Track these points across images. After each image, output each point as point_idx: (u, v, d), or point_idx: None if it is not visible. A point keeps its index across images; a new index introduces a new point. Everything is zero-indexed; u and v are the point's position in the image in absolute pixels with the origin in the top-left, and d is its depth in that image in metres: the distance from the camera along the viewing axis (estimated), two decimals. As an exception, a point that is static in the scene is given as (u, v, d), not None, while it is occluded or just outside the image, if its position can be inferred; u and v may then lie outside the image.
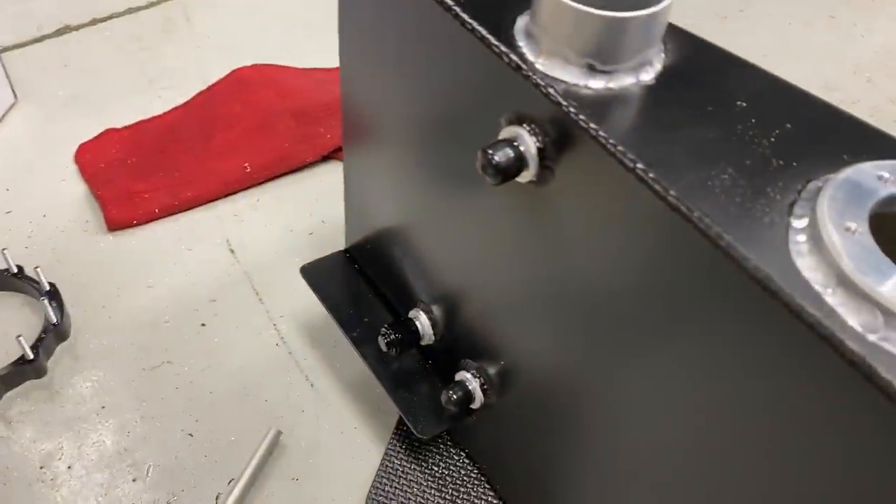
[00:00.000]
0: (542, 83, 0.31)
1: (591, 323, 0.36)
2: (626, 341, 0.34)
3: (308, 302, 0.61)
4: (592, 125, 0.30)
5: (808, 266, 0.26)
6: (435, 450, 0.53)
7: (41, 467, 0.52)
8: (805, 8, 0.96)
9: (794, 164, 0.29)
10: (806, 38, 0.92)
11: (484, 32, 0.34)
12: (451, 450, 0.53)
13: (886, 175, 0.27)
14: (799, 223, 0.27)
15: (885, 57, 0.91)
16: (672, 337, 0.31)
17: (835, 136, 0.30)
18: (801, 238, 0.27)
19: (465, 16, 0.34)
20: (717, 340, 0.29)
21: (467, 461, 0.52)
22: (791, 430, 0.27)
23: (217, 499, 0.51)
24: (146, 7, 0.90)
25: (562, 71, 0.32)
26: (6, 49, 0.82)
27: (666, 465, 0.35)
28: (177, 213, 0.68)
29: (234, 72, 0.78)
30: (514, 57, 0.32)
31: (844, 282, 0.25)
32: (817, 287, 0.25)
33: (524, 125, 0.33)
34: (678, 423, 0.33)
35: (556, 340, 0.39)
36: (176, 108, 0.77)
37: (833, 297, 0.25)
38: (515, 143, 0.32)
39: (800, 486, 0.28)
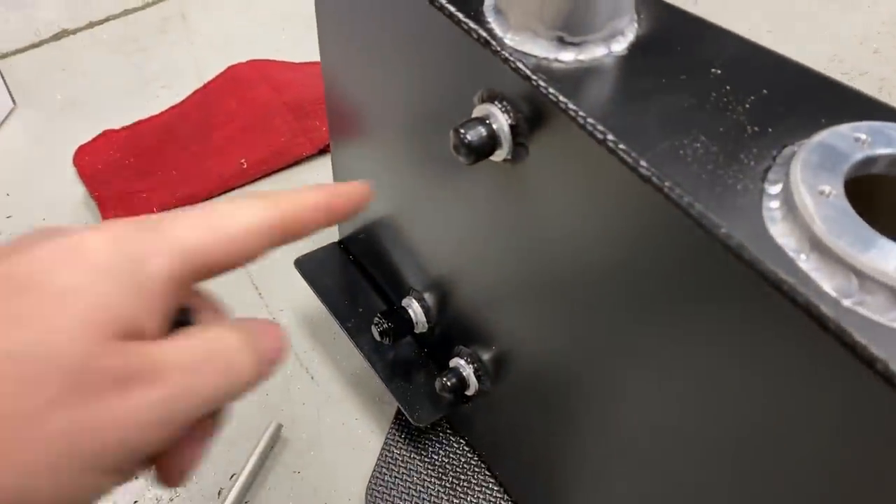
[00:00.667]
0: (512, 58, 0.31)
1: (575, 302, 0.35)
2: (608, 318, 0.33)
3: (306, 295, 0.61)
4: (562, 98, 0.29)
5: (781, 232, 0.25)
6: (434, 438, 0.53)
7: (44, 467, 0.53)
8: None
9: (770, 129, 0.28)
10: (811, 9, 0.90)
11: (452, 10, 0.33)
12: (451, 438, 0.52)
13: (864, 136, 0.27)
14: (773, 189, 0.26)
15: (893, 28, 0.89)
16: (652, 311, 0.31)
17: (813, 101, 0.30)
18: (775, 204, 0.26)
19: (434, -6, 0.34)
20: (695, 312, 0.28)
21: (467, 448, 0.52)
22: (772, 399, 0.27)
23: (220, 493, 0.51)
24: (142, 8, 0.90)
25: (531, 45, 0.31)
26: (4, 55, 0.82)
27: (657, 443, 0.35)
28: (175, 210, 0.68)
29: (229, 69, 0.78)
30: (482, 33, 0.32)
31: (818, 246, 0.24)
32: (790, 253, 0.24)
33: (496, 102, 0.32)
34: (666, 399, 0.32)
35: (543, 322, 0.38)
36: (173, 108, 0.77)
37: (807, 263, 0.24)
38: (488, 122, 0.32)
39: (785, 457, 0.27)
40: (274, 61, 0.80)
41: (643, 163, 0.27)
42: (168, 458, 0.25)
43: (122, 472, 0.22)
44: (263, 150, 0.71)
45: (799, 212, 0.25)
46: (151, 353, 0.22)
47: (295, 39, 0.84)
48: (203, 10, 0.90)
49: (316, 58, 0.82)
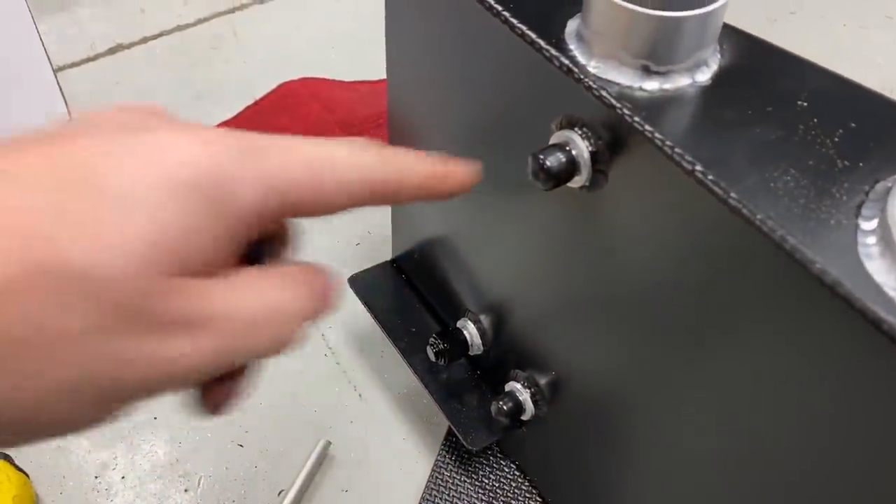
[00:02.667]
0: (595, 86, 0.31)
1: (647, 329, 0.35)
2: (683, 347, 0.33)
3: (355, 312, 0.61)
4: (649, 127, 0.29)
5: (878, 269, 0.25)
6: (484, 461, 0.52)
7: (96, 477, 0.53)
8: (859, 9, 0.93)
9: (861, 164, 0.28)
10: (861, 39, 0.89)
11: (534, 37, 0.33)
12: (501, 462, 0.52)
13: (961, 173, 0.26)
14: (868, 225, 0.26)
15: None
16: (732, 342, 0.30)
17: (902, 135, 0.29)
18: (871, 240, 0.25)
19: (514, 20, 0.34)
20: (783, 346, 0.28)
21: (518, 473, 0.51)
22: (859, 438, 0.26)
23: (267, 510, 0.51)
24: (194, 24, 0.91)
25: (615, 73, 0.31)
26: (61, 68, 0.84)
27: (721, 471, 0.34)
28: (226, 225, 0.69)
29: (281, 86, 0.79)
30: (565, 60, 0.32)
31: (919, 285, 0.24)
32: (890, 291, 0.24)
33: (576, 129, 0.32)
34: (739, 431, 0.32)
35: (611, 348, 0.38)
36: (224, 123, 0.78)
37: (908, 301, 0.24)
38: (567, 148, 0.32)
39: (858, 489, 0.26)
40: (325, 79, 0.81)
41: (734, 194, 0.27)
42: (206, 389, 0.23)
43: (144, 401, 0.21)
44: (314, 167, 0.71)
45: (898, 249, 0.24)
46: (210, 300, 0.20)
47: (344, 58, 0.85)
48: (254, 27, 0.91)
49: (364, 76, 0.84)
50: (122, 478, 0.53)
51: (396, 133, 0.50)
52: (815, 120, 0.30)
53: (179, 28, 0.91)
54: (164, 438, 0.55)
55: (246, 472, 0.53)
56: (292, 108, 0.76)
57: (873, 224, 0.26)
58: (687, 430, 0.35)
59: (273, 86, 0.80)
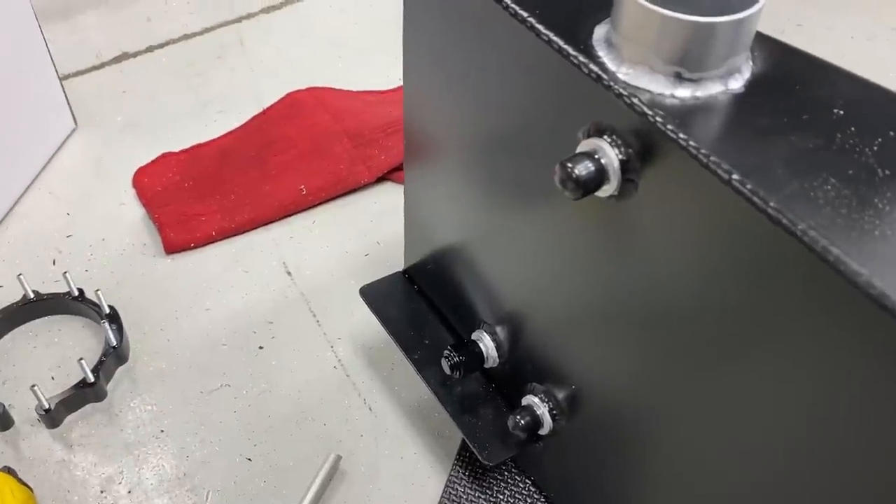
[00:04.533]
0: (626, 93, 0.30)
1: (674, 342, 0.34)
2: (711, 360, 0.32)
3: (365, 324, 0.61)
4: (682, 135, 0.28)
5: (927, 281, 0.24)
6: (499, 477, 0.51)
7: (101, 491, 0.52)
8: (866, 21, 0.93)
9: (902, 173, 0.27)
10: (869, 51, 0.89)
11: (561, 43, 0.33)
12: (517, 477, 0.51)
13: None
14: (913, 236, 0.25)
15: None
16: (765, 355, 0.29)
17: (942, 144, 0.29)
18: (918, 251, 0.25)
19: (540, 27, 0.33)
20: (820, 360, 0.27)
21: (533, 489, 0.50)
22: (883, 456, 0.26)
23: (277, 525, 0.50)
24: (201, 33, 0.91)
25: (646, 80, 0.30)
26: (67, 76, 0.83)
27: (753, 491, 0.33)
28: (233, 235, 0.68)
29: (288, 95, 0.78)
30: (594, 67, 0.31)
31: (971, 298, 0.23)
32: (940, 304, 0.23)
33: (605, 137, 0.31)
34: (768, 448, 0.31)
35: (634, 362, 0.37)
36: (231, 132, 0.77)
37: (959, 315, 0.23)
38: (596, 156, 0.31)
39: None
40: (333, 89, 0.80)
41: (773, 203, 0.26)
42: None
43: None
44: (323, 177, 0.71)
45: (948, 261, 0.24)
46: None
47: (351, 68, 0.85)
48: (260, 36, 0.91)
49: (371, 86, 0.83)
50: (129, 492, 0.52)
51: (413, 142, 0.49)
52: (853, 128, 0.29)
53: (186, 37, 0.90)
54: (172, 452, 0.54)
55: (255, 486, 0.52)
56: (300, 118, 0.76)
57: (919, 235, 0.25)
58: (712, 446, 0.35)
59: (280, 95, 0.79)
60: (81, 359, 0.55)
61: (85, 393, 0.55)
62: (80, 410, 0.56)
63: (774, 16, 0.93)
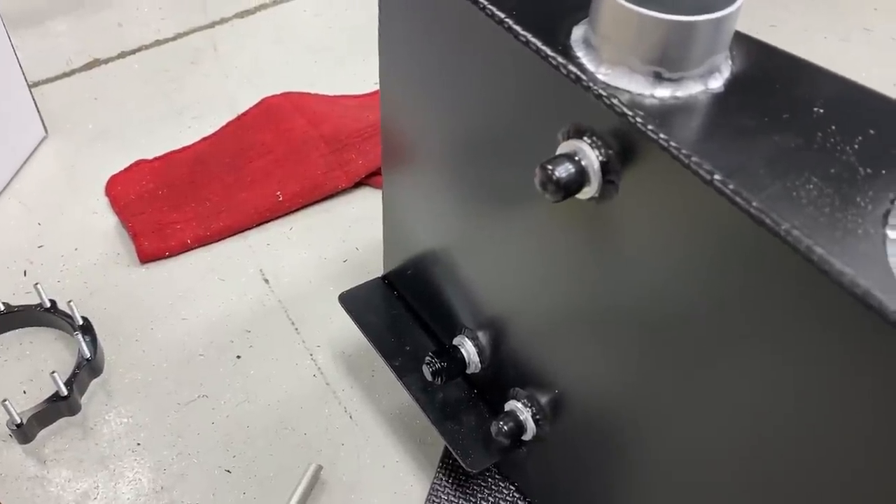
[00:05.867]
0: (605, 94, 0.30)
1: (657, 344, 0.33)
2: (695, 363, 0.32)
3: (344, 331, 0.60)
4: (663, 136, 0.28)
5: (911, 280, 0.24)
6: (483, 483, 0.51)
7: (76, 507, 0.51)
8: (840, 22, 0.94)
9: (883, 171, 0.27)
10: (843, 52, 0.90)
11: (539, 44, 0.32)
12: (500, 483, 0.51)
13: None
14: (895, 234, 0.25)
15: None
16: (750, 357, 0.29)
17: (922, 142, 0.29)
18: (901, 250, 0.25)
19: (518, 27, 0.33)
20: (806, 360, 0.27)
21: (518, 495, 0.50)
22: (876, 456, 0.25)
23: (257, 538, 0.49)
24: (174, 38, 0.90)
25: (626, 80, 0.30)
26: (36, 84, 0.82)
27: (738, 495, 0.33)
28: (209, 243, 0.67)
29: (264, 100, 0.78)
30: (572, 68, 0.31)
31: (956, 296, 0.23)
32: (925, 302, 0.23)
33: (585, 138, 0.31)
34: (754, 449, 0.31)
35: (617, 365, 0.37)
36: (206, 138, 0.76)
37: (944, 313, 0.23)
38: (576, 158, 0.31)
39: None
40: (308, 94, 0.79)
41: (755, 203, 0.26)
42: None
43: None
44: (299, 182, 0.70)
45: (932, 258, 0.23)
46: None
47: (326, 72, 0.84)
48: (234, 42, 0.89)
49: (348, 90, 0.82)
50: (104, 508, 0.51)
51: (391, 146, 0.48)
52: (833, 127, 0.29)
53: (158, 43, 0.89)
54: (149, 465, 0.53)
55: (235, 498, 0.51)
56: (276, 123, 0.75)
57: (902, 233, 0.25)
58: (697, 448, 0.34)
59: (255, 100, 0.78)
60: (54, 372, 0.53)
61: (58, 407, 0.54)
62: (53, 425, 0.54)
63: (749, 17, 0.94)
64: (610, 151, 0.30)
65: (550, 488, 0.47)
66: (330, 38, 0.89)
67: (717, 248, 0.28)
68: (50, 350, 0.59)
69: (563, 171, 0.30)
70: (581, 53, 0.31)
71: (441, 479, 0.51)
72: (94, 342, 0.57)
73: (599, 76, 0.31)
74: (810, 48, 0.90)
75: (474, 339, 0.47)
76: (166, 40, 0.89)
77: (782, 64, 0.32)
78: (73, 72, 0.84)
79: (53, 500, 0.51)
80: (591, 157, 0.31)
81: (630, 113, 0.29)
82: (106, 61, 0.86)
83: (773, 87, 0.31)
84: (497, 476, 0.51)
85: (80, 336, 0.56)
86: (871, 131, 0.29)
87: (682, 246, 0.30)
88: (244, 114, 0.77)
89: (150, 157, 0.74)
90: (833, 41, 0.91)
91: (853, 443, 0.26)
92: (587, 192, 0.31)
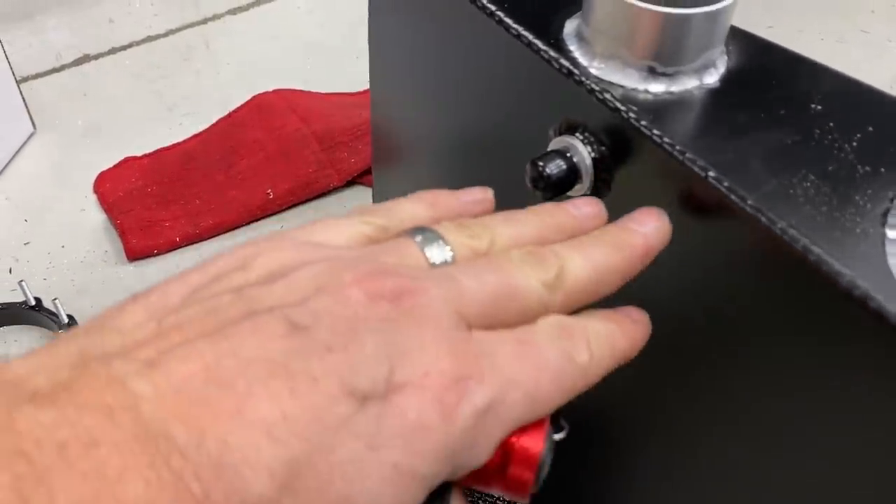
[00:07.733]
0: (598, 88, 0.29)
1: (653, 349, 0.33)
2: (693, 368, 0.31)
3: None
4: (657, 132, 0.27)
5: (911, 280, 0.23)
6: (478, 494, 0.50)
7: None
8: (837, 24, 0.94)
9: (882, 169, 0.26)
10: (840, 53, 0.89)
11: (531, 37, 0.31)
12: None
13: None
14: (895, 234, 0.24)
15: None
16: (748, 361, 0.28)
17: (922, 139, 0.28)
18: (901, 250, 0.24)
19: (509, 21, 0.32)
20: (806, 364, 0.26)
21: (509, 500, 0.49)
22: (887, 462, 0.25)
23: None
24: (165, 35, 0.89)
25: (619, 75, 0.29)
26: (25, 79, 0.81)
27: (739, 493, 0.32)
28: (198, 241, 0.66)
29: (255, 97, 0.77)
30: (565, 62, 0.30)
31: (957, 297, 0.22)
32: (924, 304, 0.22)
33: (577, 134, 0.30)
34: (754, 457, 0.30)
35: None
36: (196, 135, 0.75)
37: (945, 315, 0.22)
38: (568, 154, 0.30)
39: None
40: (301, 91, 0.78)
41: (751, 201, 0.25)
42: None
43: None
44: (290, 180, 0.69)
45: (932, 259, 0.23)
46: None
47: (319, 70, 0.83)
48: (226, 38, 0.89)
49: (339, 88, 0.82)
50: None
51: (381, 144, 0.47)
52: (832, 124, 0.28)
53: (150, 39, 0.88)
54: (133, 467, 0.52)
55: None
56: (267, 120, 0.74)
57: (902, 232, 0.24)
58: (693, 453, 0.34)
59: (247, 97, 0.77)
60: (37, 371, 0.52)
61: (41, 407, 0.53)
62: (36, 425, 0.53)
63: (745, 18, 0.93)
64: (602, 148, 0.30)
65: (546, 498, 0.46)
66: (323, 35, 0.88)
67: (712, 249, 0.28)
68: (34, 348, 0.58)
69: (555, 167, 0.30)
70: (574, 47, 0.31)
71: (431, 483, 0.50)
72: (79, 341, 0.56)
73: (592, 70, 0.30)
74: (807, 50, 0.90)
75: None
76: (158, 36, 0.88)
77: (779, 59, 0.31)
78: (62, 67, 0.84)
79: (35, 501, 0.50)
80: (583, 154, 0.30)
81: (623, 108, 0.28)
82: (96, 57, 0.85)
83: (770, 82, 0.30)
84: (487, 479, 0.50)
85: (64, 334, 0.55)
86: (870, 128, 0.28)
87: (676, 246, 0.29)
88: (235, 111, 0.76)
89: (139, 153, 0.73)
90: (829, 42, 0.91)
91: (853, 443, 0.26)
92: (579, 190, 0.31)
